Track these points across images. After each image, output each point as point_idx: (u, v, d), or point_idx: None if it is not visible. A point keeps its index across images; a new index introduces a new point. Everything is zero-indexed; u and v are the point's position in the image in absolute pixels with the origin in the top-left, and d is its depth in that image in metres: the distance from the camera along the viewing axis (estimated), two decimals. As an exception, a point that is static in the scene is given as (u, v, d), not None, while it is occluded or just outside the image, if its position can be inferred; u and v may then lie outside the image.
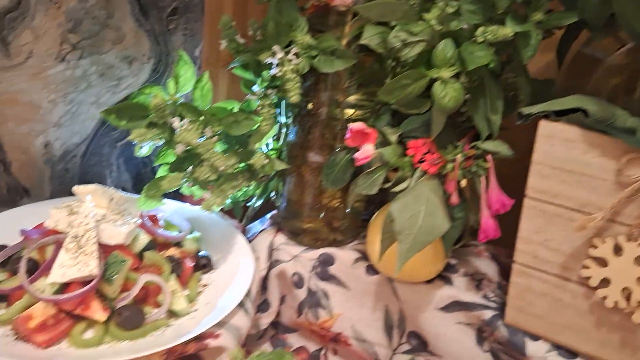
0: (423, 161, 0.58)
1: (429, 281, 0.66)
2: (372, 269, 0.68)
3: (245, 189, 0.72)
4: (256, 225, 0.78)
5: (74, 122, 0.77)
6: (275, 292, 0.71)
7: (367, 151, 0.58)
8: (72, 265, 0.55)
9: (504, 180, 0.59)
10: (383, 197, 0.71)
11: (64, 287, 0.56)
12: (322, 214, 0.70)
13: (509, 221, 0.59)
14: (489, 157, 0.58)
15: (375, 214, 0.67)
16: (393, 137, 0.59)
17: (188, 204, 0.77)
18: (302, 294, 0.69)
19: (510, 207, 0.57)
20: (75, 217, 0.58)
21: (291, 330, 0.73)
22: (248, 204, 0.80)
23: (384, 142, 0.61)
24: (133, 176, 0.86)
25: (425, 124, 0.59)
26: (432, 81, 0.55)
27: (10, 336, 0.54)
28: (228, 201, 0.81)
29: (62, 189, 0.78)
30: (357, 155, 0.59)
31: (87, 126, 0.78)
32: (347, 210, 0.70)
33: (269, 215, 0.78)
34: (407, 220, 0.55)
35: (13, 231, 0.65)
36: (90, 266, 0.55)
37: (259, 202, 0.78)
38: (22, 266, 0.56)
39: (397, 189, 0.59)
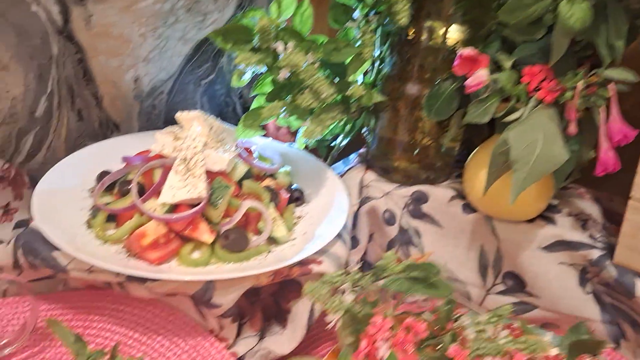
0: (539, 89, 0.55)
1: (530, 220, 0.63)
2: (468, 208, 0.66)
3: (336, 122, 0.70)
4: (339, 166, 0.77)
5: (161, 58, 0.77)
6: (364, 229, 0.70)
7: (480, 77, 0.55)
8: (181, 187, 0.56)
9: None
10: (474, 136, 0.69)
11: (173, 209, 0.57)
12: (416, 151, 0.69)
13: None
14: (612, 85, 0.54)
15: (475, 150, 0.65)
16: (507, 63, 0.56)
17: (271, 139, 0.77)
18: (393, 231, 0.68)
19: (634, 137, 0.54)
20: (181, 141, 0.59)
21: (378, 268, 0.72)
22: (332, 145, 0.79)
23: (492, 70, 0.58)
24: (216, 115, 0.86)
25: (542, 50, 0.56)
26: (555, 2, 0.52)
27: (122, 253, 0.56)
28: (312, 142, 0.80)
29: (149, 125, 0.79)
30: (468, 82, 0.56)
31: (173, 62, 0.78)
32: (442, 150, 0.68)
33: (356, 154, 0.77)
34: (524, 148, 0.53)
35: (112, 159, 0.66)
36: (199, 188, 0.56)
37: (345, 141, 0.77)
38: (134, 187, 0.57)
39: (509, 118, 0.56)
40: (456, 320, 0.44)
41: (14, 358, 0.53)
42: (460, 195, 0.67)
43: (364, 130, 0.73)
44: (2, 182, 0.72)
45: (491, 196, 0.60)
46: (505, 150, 0.55)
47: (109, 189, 0.61)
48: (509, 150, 0.53)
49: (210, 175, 0.59)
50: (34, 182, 0.75)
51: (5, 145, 0.72)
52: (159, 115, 0.80)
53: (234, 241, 0.56)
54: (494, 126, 0.62)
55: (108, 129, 0.77)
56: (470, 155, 0.66)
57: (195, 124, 0.60)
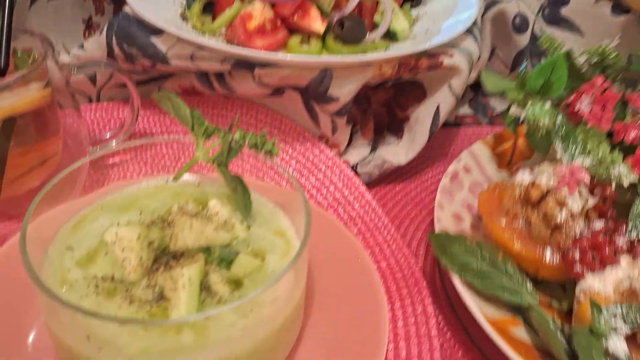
0: None
1: None
2: (619, 8, 0.55)
3: None
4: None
5: None
6: (486, 40, 0.60)
7: None
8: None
9: None
10: None
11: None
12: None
13: None
14: None
15: None
16: None
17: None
18: (523, 40, 0.58)
19: None
20: None
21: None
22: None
23: None
24: None
25: None
26: None
27: (223, 43, 0.49)
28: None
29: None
30: None
31: None
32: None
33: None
34: None
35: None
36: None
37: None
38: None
39: None
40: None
41: (116, 157, 0.50)
42: (612, -7, 0.56)
43: None
44: (82, -7, 0.66)
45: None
46: None
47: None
48: None
49: (320, -45, 0.50)
50: (113, -2, 0.69)
51: (80, -44, 0.66)
52: None
53: (350, 29, 0.48)
54: None
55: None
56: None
57: None
